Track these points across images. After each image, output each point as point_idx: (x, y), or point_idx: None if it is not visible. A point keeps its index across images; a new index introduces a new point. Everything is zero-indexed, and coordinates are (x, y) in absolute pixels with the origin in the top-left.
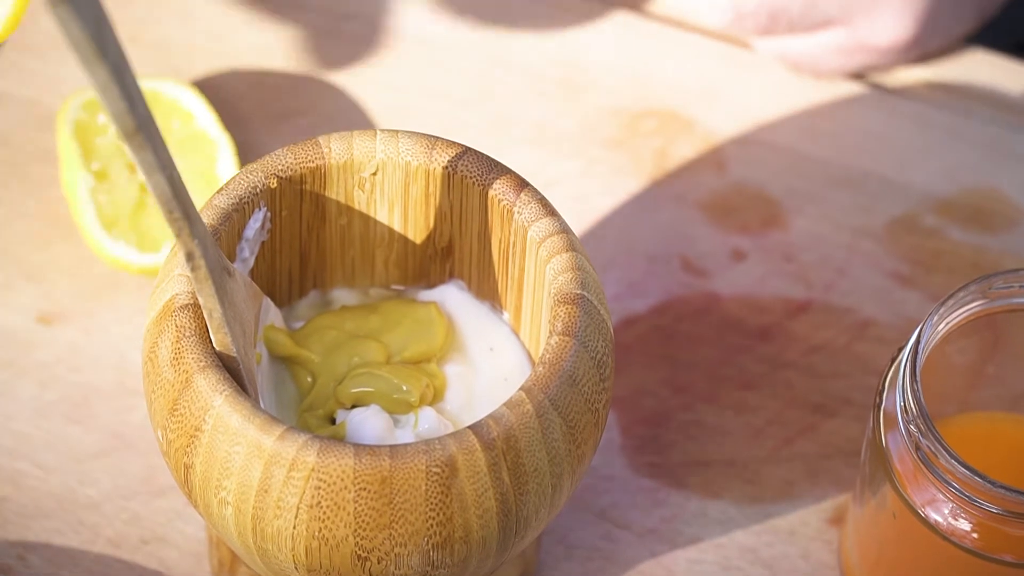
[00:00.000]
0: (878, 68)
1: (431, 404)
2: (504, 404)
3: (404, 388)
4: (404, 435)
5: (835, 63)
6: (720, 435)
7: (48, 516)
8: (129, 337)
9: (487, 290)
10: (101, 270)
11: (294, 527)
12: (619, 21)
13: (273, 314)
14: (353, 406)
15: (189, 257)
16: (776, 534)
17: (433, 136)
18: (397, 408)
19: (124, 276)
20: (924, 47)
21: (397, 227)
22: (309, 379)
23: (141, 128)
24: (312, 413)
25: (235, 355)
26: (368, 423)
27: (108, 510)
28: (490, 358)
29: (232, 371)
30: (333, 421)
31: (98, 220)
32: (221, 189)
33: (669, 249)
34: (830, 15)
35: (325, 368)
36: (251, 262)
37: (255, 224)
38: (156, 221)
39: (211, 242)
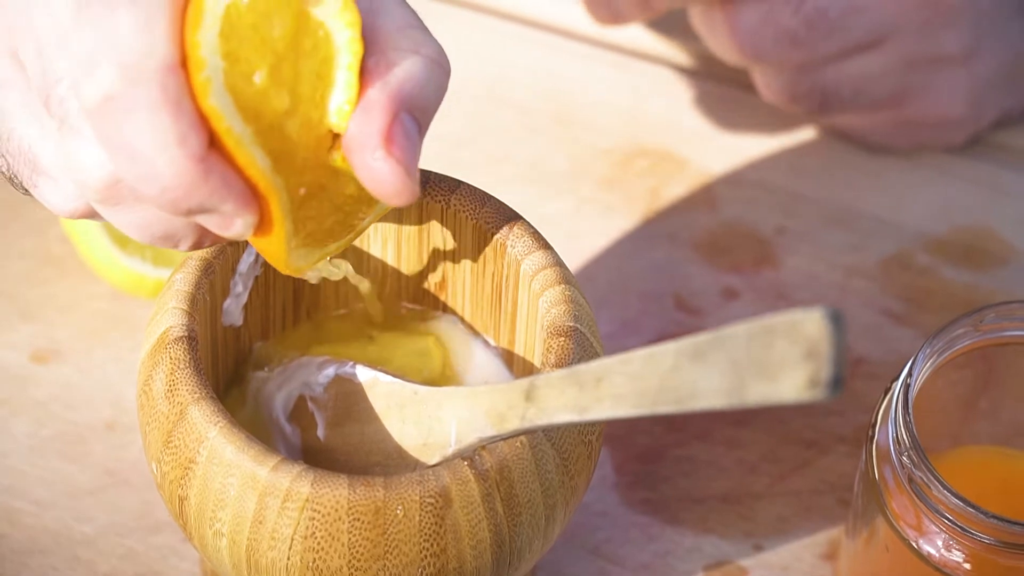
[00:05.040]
0: (932, 144)
1: None
2: None
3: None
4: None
5: (889, 139)
6: (714, 471)
7: (44, 553)
8: (124, 374)
9: (480, 323)
10: (97, 307)
11: (288, 558)
12: (612, 60)
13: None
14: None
15: None
16: (770, 569)
17: (426, 170)
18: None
19: (119, 314)
20: (977, 123)
21: (390, 261)
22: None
23: None
24: None
25: None
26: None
27: (104, 546)
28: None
29: None
30: None
31: (109, 238)
32: None
33: (662, 288)
34: (881, 97)
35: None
36: (244, 297)
37: (248, 258)
38: None
39: None
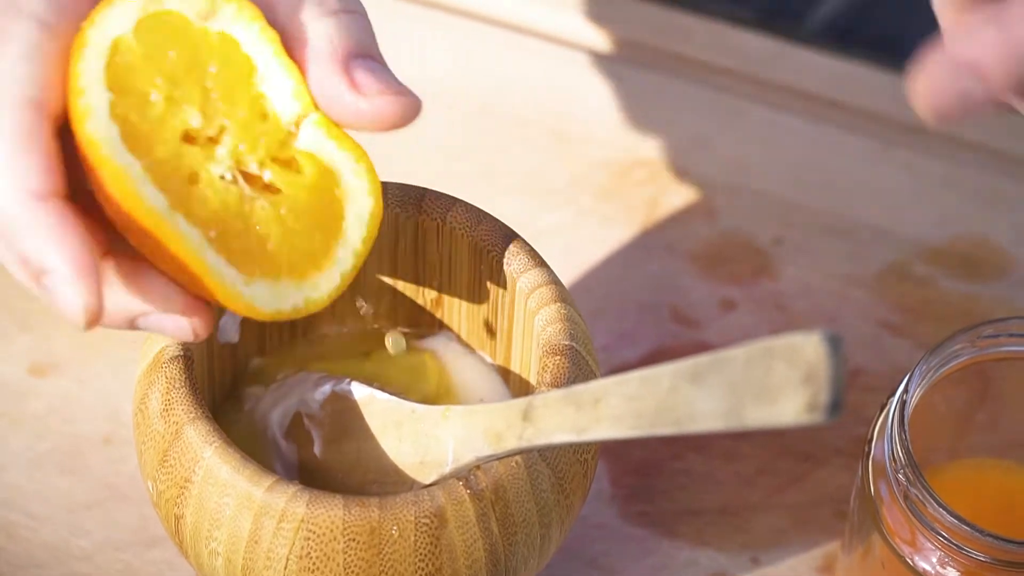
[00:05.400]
0: None
1: None
2: None
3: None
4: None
5: None
6: (710, 484)
7: (41, 567)
8: (121, 388)
9: (476, 341)
10: None
11: None
12: (609, 71)
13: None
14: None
15: None
16: None
17: (422, 187)
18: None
19: None
20: None
21: (386, 278)
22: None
23: None
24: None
25: None
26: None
27: (100, 561)
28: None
29: None
30: None
31: None
32: None
33: (659, 299)
34: None
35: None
36: (239, 316)
37: None
38: None
39: None
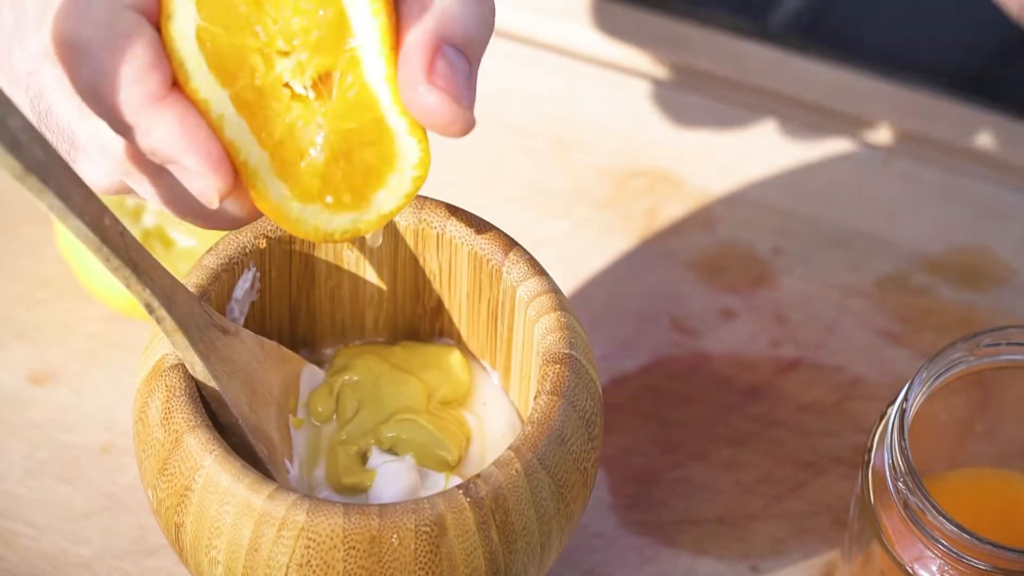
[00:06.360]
0: None
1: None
2: (493, 463)
3: (447, 446)
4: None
5: None
6: (710, 493)
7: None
8: (120, 397)
9: (477, 348)
10: (93, 329)
11: None
12: (609, 79)
13: (320, 379)
14: (390, 448)
15: (148, 309)
16: None
17: (421, 196)
18: (433, 463)
19: (115, 336)
20: None
21: (386, 287)
22: (353, 406)
23: (33, 170)
24: (345, 447)
25: (234, 413)
26: (400, 478)
27: (100, 569)
28: (485, 413)
29: (234, 431)
30: (363, 457)
31: None
32: (210, 249)
33: (658, 308)
34: None
35: (372, 398)
36: (241, 322)
37: (244, 284)
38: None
39: (184, 294)
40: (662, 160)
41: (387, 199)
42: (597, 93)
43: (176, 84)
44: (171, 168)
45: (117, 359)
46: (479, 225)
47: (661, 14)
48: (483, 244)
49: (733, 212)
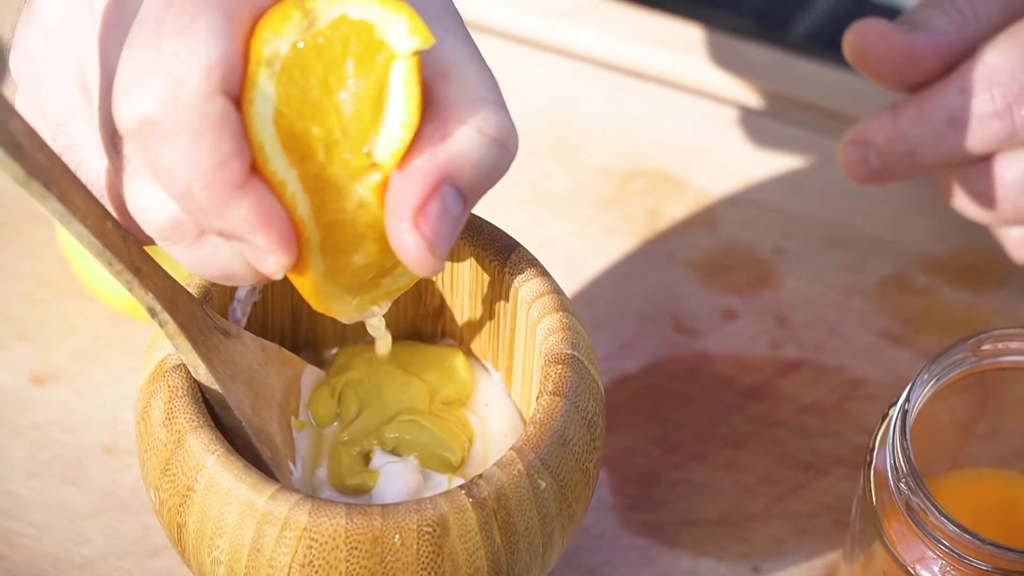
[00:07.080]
0: None
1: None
2: (495, 463)
3: (450, 446)
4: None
5: None
6: (711, 493)
7: None
8: (122, 397)
9: (479, 349)
10: (94, 329)
11: None
12: (611, 81)
13: (321, 382)
14: (392, 449)
15: (150, 313)
16: None
17: None
18: (436, 464)
19: (117, 336)
20: None
21: None
22: (355, 407)
23: (35, 175)
24: (347, 448)
25: (237, 416)
26: (403, 478)
27: (102, 570)
28: (487, 413)
29: (237, 433)
30: (366, 458)
31: None
32: None
33: (660, 309)
34: None
35: (375, 399)
36: (243, 323)
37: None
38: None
39: (185, 297)
40: (664, 161)
41: (394, 282)
42: (599, 94)
43: (254, 166)
44: (237, 244)
45: (119, 359)
46: (480, 226)
47: (663, 14)
48: (485, 244)
49: (734, 213)
